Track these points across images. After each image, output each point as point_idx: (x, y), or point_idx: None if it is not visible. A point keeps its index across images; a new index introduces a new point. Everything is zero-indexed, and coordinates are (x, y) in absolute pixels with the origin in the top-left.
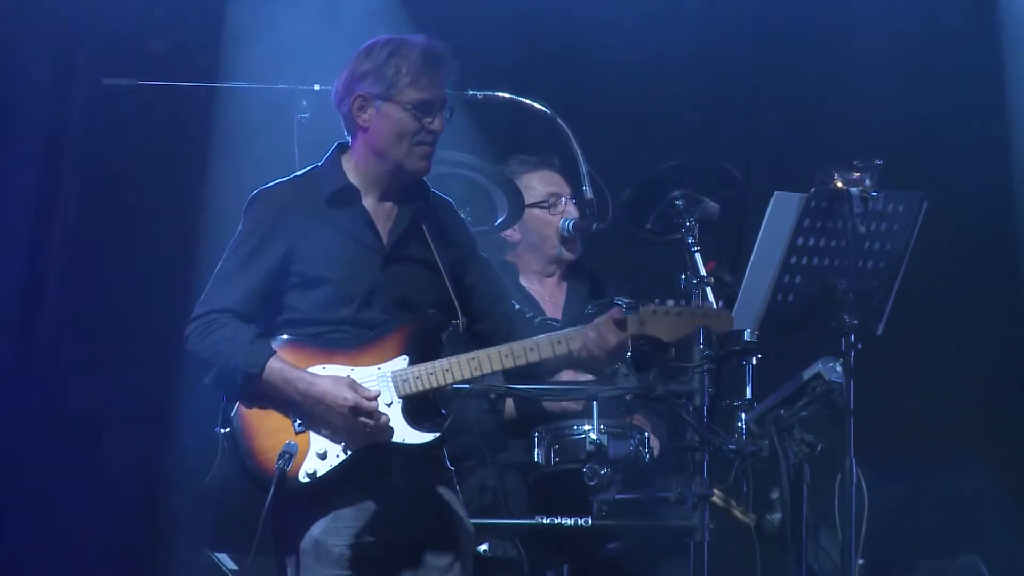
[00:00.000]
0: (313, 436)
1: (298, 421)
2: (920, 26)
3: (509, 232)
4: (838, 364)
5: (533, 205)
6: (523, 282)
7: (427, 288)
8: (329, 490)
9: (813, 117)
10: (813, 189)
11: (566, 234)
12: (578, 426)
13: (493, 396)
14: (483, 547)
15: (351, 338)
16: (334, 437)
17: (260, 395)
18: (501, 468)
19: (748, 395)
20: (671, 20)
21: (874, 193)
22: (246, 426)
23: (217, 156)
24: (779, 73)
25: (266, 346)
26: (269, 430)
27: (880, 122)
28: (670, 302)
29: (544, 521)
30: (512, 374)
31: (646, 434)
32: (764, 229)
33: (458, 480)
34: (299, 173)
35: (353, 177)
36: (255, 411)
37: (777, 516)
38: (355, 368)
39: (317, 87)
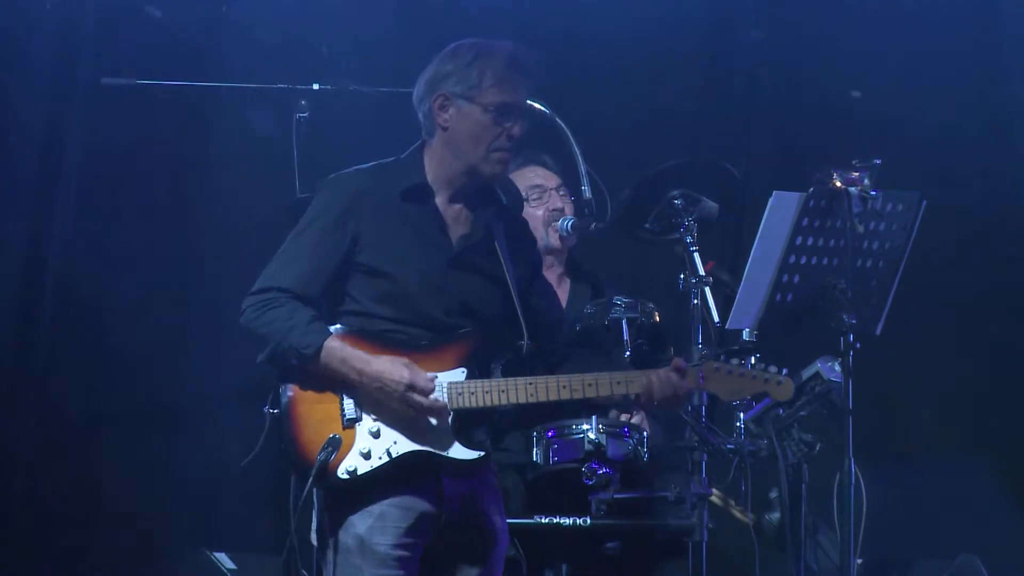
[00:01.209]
0: (359, 432)
1: (347, 415)
2: (919, 25)
3: None
4: (837, 364)
5: None
6: None
7: (492, 300)
8: (372, 489)
9: (812, 117)
10: (812, 188)
11: (564, 234)
12: (577, 425)
13: None
14: None
15: (410, 338)
16: (385, 427)
17: (314, 376)
18: (499, 467)
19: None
20: (670, 20)
21: (873, 192)
22: (295, 412)
23: (216, 156)
24: (778, 73)
25: (324, 328)
26: (317, 419)
27: (879, 121)
28: (734, 361)
29: (543, 520)
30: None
31: (645, 434)
32: (763, 228)
33: None
34: (380, 163)
35: (429, 175)
36: (306, 397)
37: (776, 515)
38: (394, 358)
39: (316, 87)
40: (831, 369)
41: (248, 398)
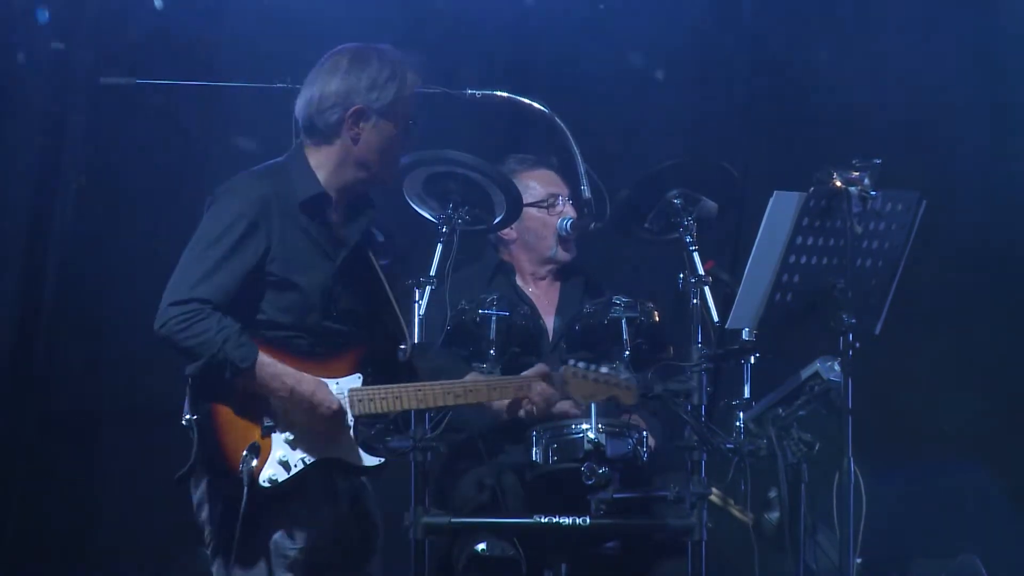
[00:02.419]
0: (275, 442)
1: (266, 423)
2: (919, 25)
3: (506, 231)
4: (836, 363)
5: (532, 204)
6: (518, 282)
7: (375, 306)
8: (287, 496)
9: (811, 116)
10: (812, 188)
11: (563, 233)
12: (576, 425)
13: None
14: (481, 546)
15: (312, 347)
16: (297, 442)
17: (239, 390)
18: (499, 467)
19: (746, 394)
20: (669, 19)
21: (872, 192)
22: (217, 420)
23: (215, 155)
24: (778, 72)
25: (251, 341)
26: (238, 427)
27: (878, 121)
28: (591, 367)
29: (542, 520)
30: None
31: (644, 433)
32: (763, 228)
33: (455, 479)
34: (268, 166)
35: (322, 182)
36: (227, 407)
37: (775, 515)
38: (320, 379)
39: None
40: (830, 369)
41: None
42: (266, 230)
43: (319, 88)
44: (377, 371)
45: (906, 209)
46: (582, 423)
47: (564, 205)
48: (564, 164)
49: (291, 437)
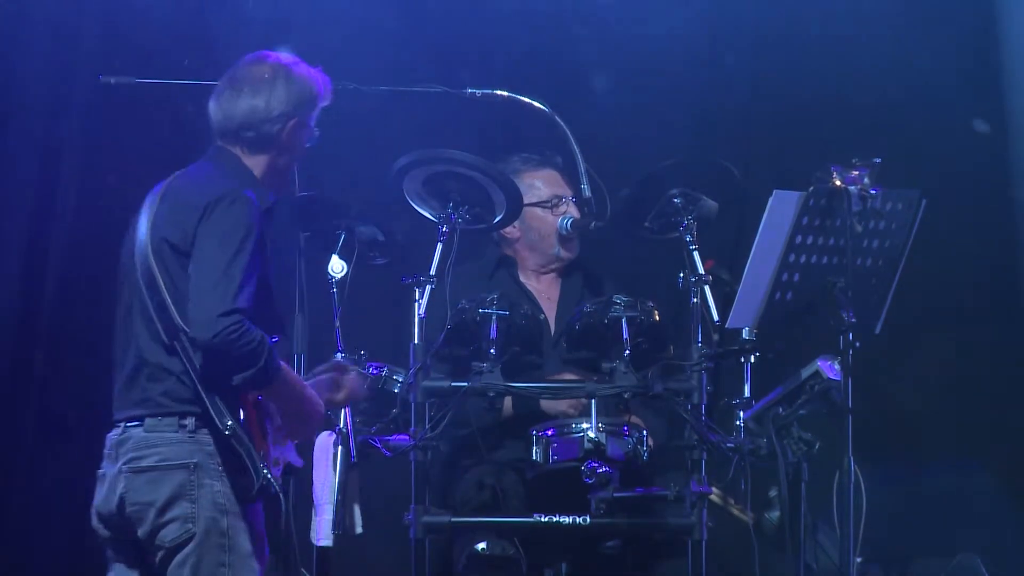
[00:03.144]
0: (270, 447)
1: (267, 429)
2: (919, 24)
3: (509, 229)
4: (836, 362)
5: (535, 204)
6: (521, 278)
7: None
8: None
9: (811, 115)
10: (812, 187)
11: (564, 232)
12: (576, 424)
13: (492, 394)
14: (481, 545)
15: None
16: (276, 448)
17: (249, 397)
18: (499, 466)
19: (747, 393)
20: (670, 19)
21: (872, 191)
22: (249, 427)
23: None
24: (777, 71)
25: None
26: (256, 433)
27: (878, 120)
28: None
29: (542, 519)
30: (511, 371)
31: (644, 432)
32: (763, 227)
33: (456, 477)
34: (239, 174)
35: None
36: (249, 413)
37: (775, 514)
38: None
39: None
40: (831, 367)
41: None
42: (263, 237)
43: (265, 99)
44: None
45: (906, 208)
46: (582, 422)
47: (567, 205)
48: (565, 163)
49: (275, 438)
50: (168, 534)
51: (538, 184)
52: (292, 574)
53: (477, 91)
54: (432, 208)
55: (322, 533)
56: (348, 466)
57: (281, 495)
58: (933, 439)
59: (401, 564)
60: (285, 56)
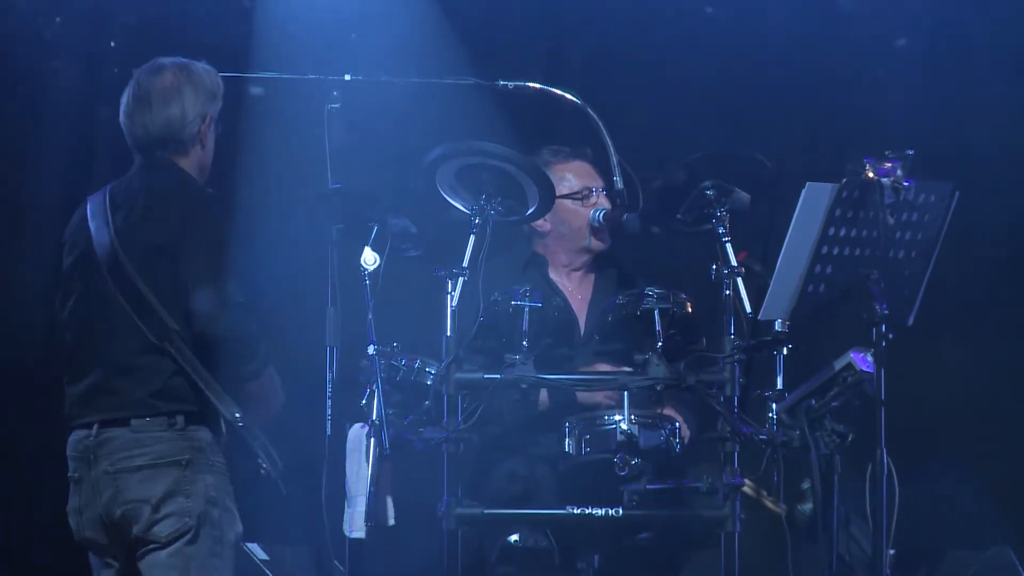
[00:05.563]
0: None
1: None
2: (953, 14)
3: (540, 222)
4: (869, 354)
5: (566, 196)
6: (551, 275)
7: None
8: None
9: (844, 107)
10: (845, 179)
11: (596, 224)
12: (609, 416)
13: (524, 386)
14: (514, 537)
15: None
16: None
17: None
18: (531, 458)
19: (779, 385)
20: (700, 11)
21: (906, 183)
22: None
23: (247, 147)
24: (810, 63)
25: None
26: None
27: (912, 112)
28: None
29: (574, 511)
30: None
31: (677, 424)
32: (796, 219)
33: (488, 470)
34: (183, 176)
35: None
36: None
37: (808, 506)
38: None
39: (348, 77)
40: (864, 359)
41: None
42: None
43: (180, 106)
44: None
45: (939, 200)
46: (615, 414)
47: (599, 197)
48: (597, 155)
49: None
50: (164, 529)
51: (569, 176)
52: (325, 566)
53: (509, 83)
54: (464, 200)
55: (355, 525)
56: (381, 458)
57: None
58: (966, 430)
59: (434, 556)
60: (178, 59)
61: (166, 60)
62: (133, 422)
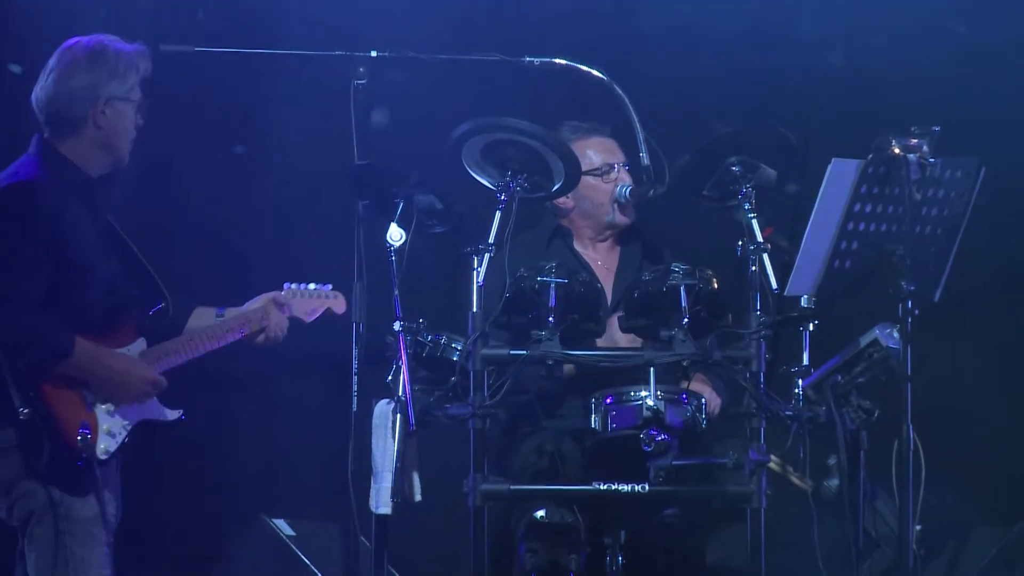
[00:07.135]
0: (100, 414)
1: (88, 397)
2: None
3: (562, 200)
4: (895, 330)
5: (588, 173)
6: (577, 247)
7: (134, 272)
8: (108, 464)
9: (871, 83)
10: (871, 155)
11: (622, 200)
12: (635, 392)
13: (551, 362)
14: (540, 513)
15: (95, 321)
16: (116, 412)
17: (55, 374)
18: (558, 433)
19: (805, 361)
20: None
21: (932, 159)
22: (49, 404)
23: (273, 123)
24: (836, 39)
25: (69, 329)
26: (68, 406)
27: (938, 88)
28: (304, 285)
29: (601, 487)
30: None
31: (703, 400)
32: (822, 195)
33: (514, 445)
34: (30, 164)
35: (82, 168)
36: (50, 390)
37: (834, 482)
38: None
39: (374, 53)
40: (890, 336)
41: (305, 367)
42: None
43: (63, 85)
44: (154, 331)
45: (965, 176)
46: (641, 390)
47: (620, 172)
48: (623, 131)
49: (111, 407)
50: (15, 513)
51: (589, 152)
52: (351, 542)
53: (535, 60)
54: (490, 176)
55: (381, 501)
56: (407, 434)
57: (106, 456)
58: (992, 406)
59: (460, 532)
60: (95, 38)
61: (82, 38)
62: None
